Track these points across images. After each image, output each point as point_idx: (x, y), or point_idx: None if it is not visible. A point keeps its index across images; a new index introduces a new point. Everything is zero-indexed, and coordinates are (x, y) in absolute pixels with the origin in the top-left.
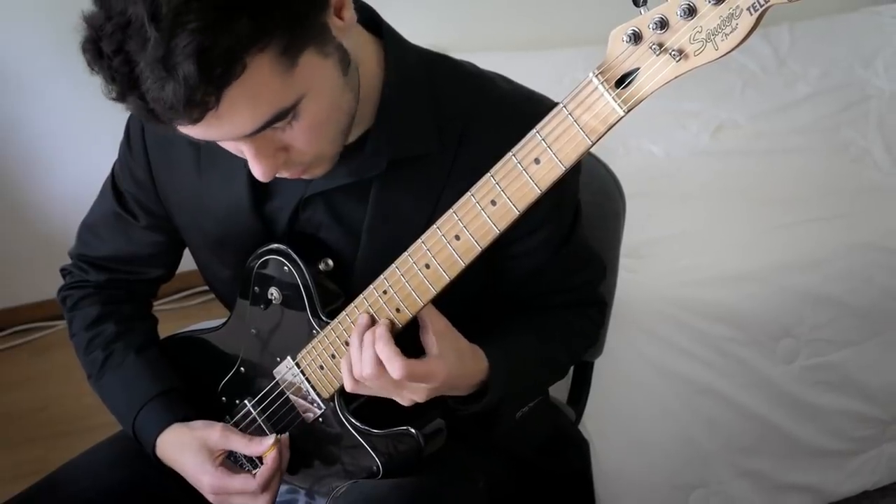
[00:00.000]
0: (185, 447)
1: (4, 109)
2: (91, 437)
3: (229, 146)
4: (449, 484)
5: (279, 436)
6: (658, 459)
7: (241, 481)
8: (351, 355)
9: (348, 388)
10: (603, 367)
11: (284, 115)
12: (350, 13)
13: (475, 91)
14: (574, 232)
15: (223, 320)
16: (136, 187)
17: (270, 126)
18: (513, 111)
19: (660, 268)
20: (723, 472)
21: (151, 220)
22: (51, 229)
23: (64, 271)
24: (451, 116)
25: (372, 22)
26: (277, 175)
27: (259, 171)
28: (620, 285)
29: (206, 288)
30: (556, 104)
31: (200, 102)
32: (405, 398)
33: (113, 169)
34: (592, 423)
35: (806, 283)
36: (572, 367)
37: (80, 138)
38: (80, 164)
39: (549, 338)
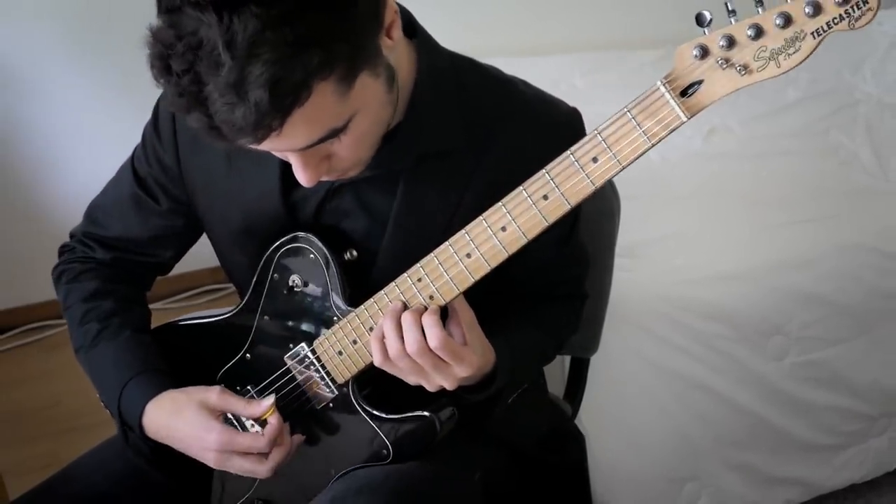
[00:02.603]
0: (182, 408)
1: (15, 111)
2: (100, 432)
3: (275, 152)
4: (443, 475)
5: (276, 396)
6: (652, 453)
7: (249, 438)
8: (387, 337)
9: (377, 362)
10: (599, 364)
11: (336, 133)
12: (398, 32)
13: (501, 94)
14: (575, 230)
15: (228, 308)
16: (162, 171)
17: (322, 142)
18: (535, 115)
19: (654, 267)
20: (715, 465)
21: (173, 204)
22: (61, 229)
23: (64, 248)
24: (479, 116)
25: (407, 23)
26: (321, 182)
27: (305, 179)
28: (616, 284)
29: (212, 287)
30: (572, 108)
31: (266, 126)
32: (433, 384)
33: (134, 153)
34: (588, 419)
35: (796, 282)
36: (569, 364)
37: (90, 139)
38: (90, 165)
39: (544, 328)
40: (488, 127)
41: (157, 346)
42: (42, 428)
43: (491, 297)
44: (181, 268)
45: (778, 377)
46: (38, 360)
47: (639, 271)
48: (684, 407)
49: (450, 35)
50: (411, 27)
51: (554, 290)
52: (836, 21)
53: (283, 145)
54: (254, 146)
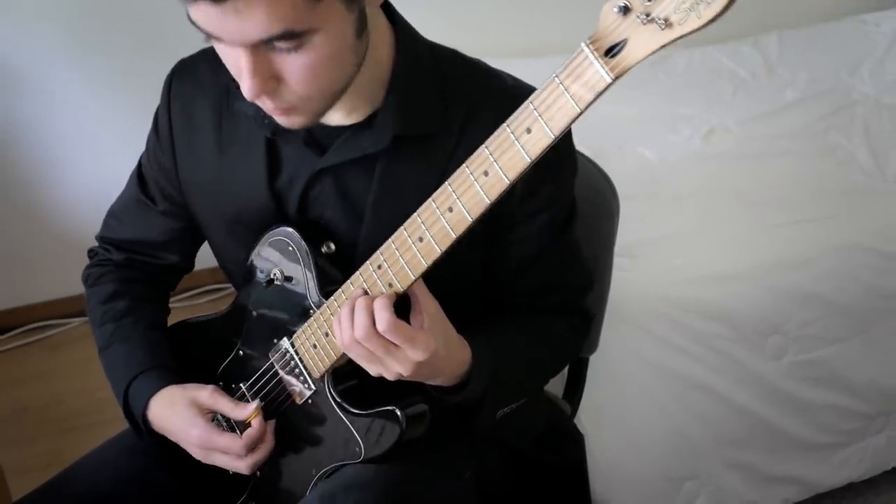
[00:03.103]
0: (175, 403)
1: (16, 112)
2: (104, 430)
3: (229, 56)
4: (433, 473)
5: (261, 403)
6: (651, 452)
7: (227, 439)
8: (342, 323)
9: (339, 344)
10: (597, 363)
11: (292, 36)
12: None
13: (481, 80)
14: (569, 226)
15: (228, 307)
16: (161, 173)
17: (276, 41)
18: (516, 102)
19: (653, 267)
20: (714, 464)
21: (169, 205)
22: (66, 230)
23: (91, 252)
24: (457, 101)
25: (387, 12)
26: (261, 104)
27: (248, 87)
28: (615, 284)
29: (215, 286)
30: None
31: None
32: (391, 370)
33: (141, 158)
34: (587, 418)
35: (794, 281)
36: (568, 364)
37: (95, 142)
38: (95, 167)
39: (536, 340)
40: (468, 111)
41: (167, 342)
42: (44, 427)
43: (481, 302)
44: None
45: (776, 376)
46: (39, 360)
47: (638, 271)
48: (683, 406)
49: (447, 36)
50: (391, 17)
51: (548, 298)
52: None
53: (240, 27)
54: (210, 22)
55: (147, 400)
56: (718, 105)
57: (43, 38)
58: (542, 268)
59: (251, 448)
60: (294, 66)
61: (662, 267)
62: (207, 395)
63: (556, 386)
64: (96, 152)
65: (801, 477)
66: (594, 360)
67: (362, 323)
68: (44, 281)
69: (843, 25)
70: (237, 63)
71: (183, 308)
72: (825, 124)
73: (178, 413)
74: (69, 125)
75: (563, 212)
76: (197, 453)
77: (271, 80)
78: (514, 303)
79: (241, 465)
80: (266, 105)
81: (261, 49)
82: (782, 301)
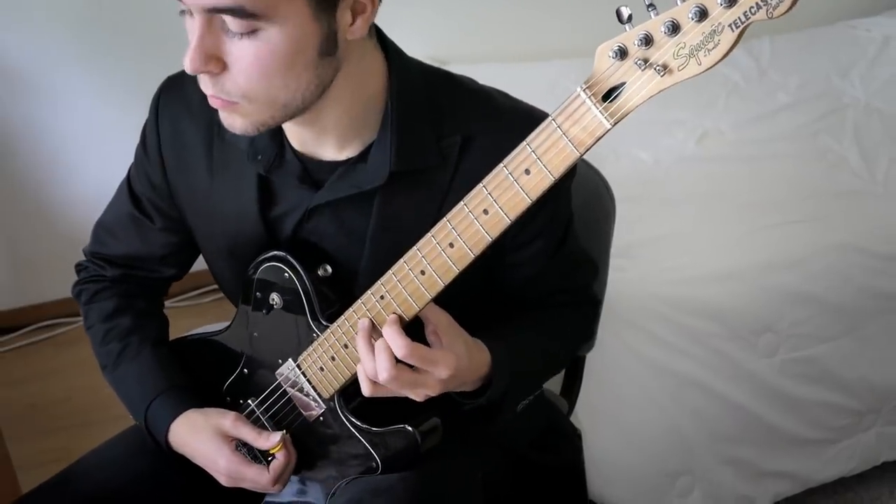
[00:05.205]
0: (199, 431)
1: (27, 114)
2: (111, 426)
3: (190, 31)
4: (451, 475)
5: (286, 433)
6: (646, 448)
7: (255, 472)
8: (363, 362)
9: (367, 392)
10: (594, 361)
11: (244, 14)
12: (362, 26)
13: (475, 106)
14: (566, 240)
15: (228, 323)
16: (152, 190)
17: (228, 13)
18: (512, 126)
19: (648, 267)
20: (708, 459)
21: (166, 221)
22: (73, 229)
23: (79, 267)
24: (452, 131)
25: (378, 40)
26: (203, 87)
27: (189, 57)
28: (611, 283)
29: (215, 286)
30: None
31: None
32: (419, 394)
33: (129, 172)
34: (584, 414)
35: (786, 281)
36: None
37: (101, 142)
38: (101, 167)
39: (548, 333)
40: (463, 140)
41: (175, 358)
42: (52, 423)
43: (489, 305)
44: None
45: (769, 374)
46: (47, 358)
47: (634, 271)
48: (678, 403)
49: (449, 41)
50: (382, 43)
51: (557, 298)
52: (752, 11)
53: None
54: None
55: (168, 424)
56: (712, 109)
57: (51, 42)
58: (546, 277)
59: (278, 479)
60: (242, 53)
61: (658, 267)
62: (230, 424)
63: (553, 383)
64: (104, 153)
65: (792, 472)
66: (591, 357)
67: (385, 366)
68: (51, 280)
69: (835, 30)
70: (192, 27)
71: (186, 308)
72: (816, 127)
73: (203, 441)
74: (77, 127)
75: (559, 232)
76: (224, 481)
77: (215, 60)
78: (525, 303)
79: (271, 489)
80: (207, 89)
81: (215, 23)
82: (775, 300)
